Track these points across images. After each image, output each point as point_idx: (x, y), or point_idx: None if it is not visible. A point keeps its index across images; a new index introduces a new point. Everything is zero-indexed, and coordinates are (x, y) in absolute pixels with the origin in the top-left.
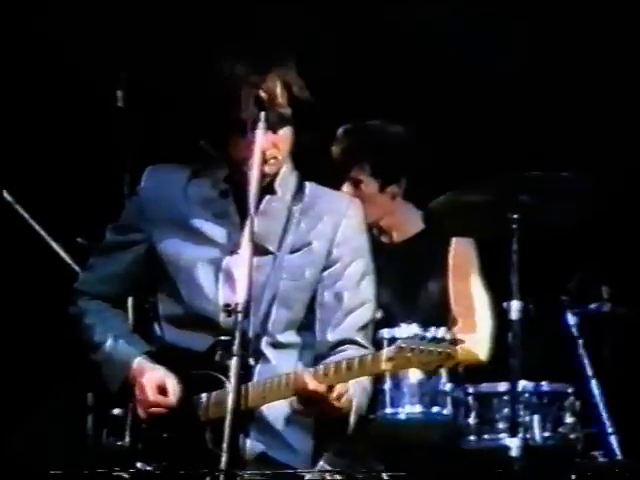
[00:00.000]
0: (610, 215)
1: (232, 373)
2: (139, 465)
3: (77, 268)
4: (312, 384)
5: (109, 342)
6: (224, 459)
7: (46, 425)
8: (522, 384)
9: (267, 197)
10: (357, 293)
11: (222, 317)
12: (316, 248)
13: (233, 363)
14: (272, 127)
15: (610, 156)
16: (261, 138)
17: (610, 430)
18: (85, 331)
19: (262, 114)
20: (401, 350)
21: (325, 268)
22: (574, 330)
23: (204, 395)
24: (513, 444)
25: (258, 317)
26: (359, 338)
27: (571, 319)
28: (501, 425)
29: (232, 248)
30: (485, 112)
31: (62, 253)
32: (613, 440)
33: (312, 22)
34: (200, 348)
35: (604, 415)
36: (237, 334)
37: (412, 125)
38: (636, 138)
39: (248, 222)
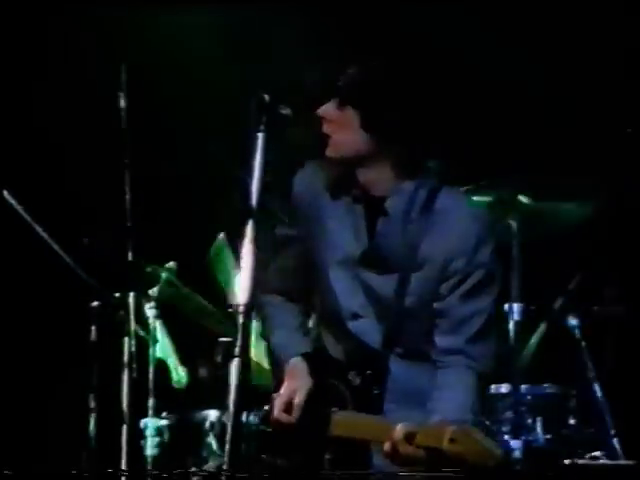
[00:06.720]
0: (611, 217)
1: (233, 374)
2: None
3: (77, 269)
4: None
5: (273, 338)
6: (226, 460)
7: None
8: (524, 386)
9: (382, 218)
10: (470, 304)
11: (351, 324)
12: (437, 262)
13: (234, 364)
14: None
15: (610, 158)
16: (263, 142)
17: (612, 432)
18: (261, 325)
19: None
20: (469, 432)
21: (443, 280)
22: (576, 332)
23: (334, 410)
24: (516, 446)
25: (385, 334)
26: (467, 349)
27: (573, 321)
28: (504, 427)
29: (359, 254)
30: (486, 114)
31: (63, 254)
32: (615, 442)
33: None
34: (336, 355)
35: (606, 417)
36: (239, 336)
37: None
38: (636, 140)
39: (249, 224)
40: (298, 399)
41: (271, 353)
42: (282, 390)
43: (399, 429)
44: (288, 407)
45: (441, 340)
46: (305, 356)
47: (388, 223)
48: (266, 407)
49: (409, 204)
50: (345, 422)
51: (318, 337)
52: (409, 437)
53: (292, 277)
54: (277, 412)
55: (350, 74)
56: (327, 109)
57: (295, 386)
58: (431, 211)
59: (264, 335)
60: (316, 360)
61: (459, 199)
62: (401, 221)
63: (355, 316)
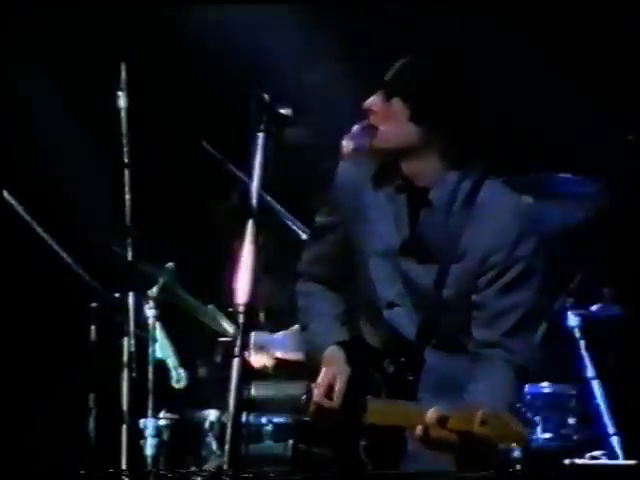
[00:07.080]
0: (611, 216)
1: (234, 373)
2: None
3: (78, 269)
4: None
5: (311, 327)
6: (226, 460)
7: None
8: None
9: (424, 209)
10: (508, 297)
11: (387, 313)
12: (476, 255)
13: (235, 363)
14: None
15: (611, 157)
16: (263, 141)
17: (612, 431)
18: (299, 313)
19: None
20: (499, 414)
21: (482, 273)
22: (576, 331)
23: (368, 398)
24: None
25: (421, 323)
26: (505, 342)
27: (573, 320)
28: None
29: (399, 244)
30: (486, 113)
31: (63, 254)
32: (615, 441)
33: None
34: (372, 343)
35: (606, 416)
36: (239, 335)
37: None
38: (637, 139)
39: (250, 225)
40: (339, 385)
41: (307, 345)
42: (321, 377)
43: (431, 413)
44: (329, 393)
45: (478, 332)
46: (342, 344)
47: (430, 213)
48: (303, 397)
49: (452, 195)
50: (379, 410)
51: (355, 325)
52: (441, 421)
53: (332, 265)
54: (319, 397)
55: (398, 67)
56: (374, 101)
57: (334, 372)
58: (473, 203)
59: (301, 326)
60: (353, 348)
61: (502, 192)
62: (443, 212)
63: (391, 305)
